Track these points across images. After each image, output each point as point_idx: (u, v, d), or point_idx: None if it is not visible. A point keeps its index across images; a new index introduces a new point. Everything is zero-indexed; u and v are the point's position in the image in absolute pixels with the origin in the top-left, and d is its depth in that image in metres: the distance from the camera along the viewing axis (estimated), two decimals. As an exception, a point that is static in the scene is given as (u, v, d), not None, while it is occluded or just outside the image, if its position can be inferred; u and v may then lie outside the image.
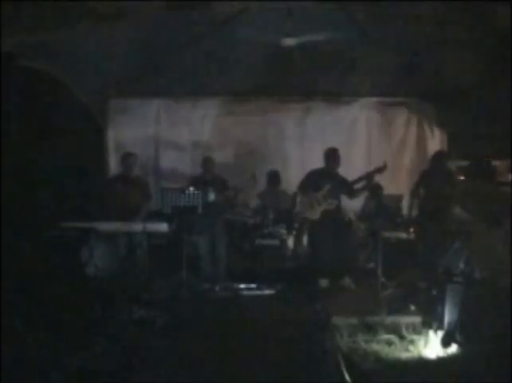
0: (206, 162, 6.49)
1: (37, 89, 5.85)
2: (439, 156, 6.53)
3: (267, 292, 6.01)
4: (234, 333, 4.49)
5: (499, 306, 4.10)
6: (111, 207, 6.14)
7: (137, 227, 5.57)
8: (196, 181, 6.26)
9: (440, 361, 4.11)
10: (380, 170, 6.04)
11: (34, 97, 5.82)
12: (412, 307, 5.20)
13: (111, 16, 4.72)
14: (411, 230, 6.50)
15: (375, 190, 6.57)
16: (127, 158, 6.31)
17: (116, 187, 6.21)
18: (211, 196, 6.13)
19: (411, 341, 4.46)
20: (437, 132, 7.97)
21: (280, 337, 4.35)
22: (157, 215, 6.03)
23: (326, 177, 6.19)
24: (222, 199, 6.27)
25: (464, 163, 9.47)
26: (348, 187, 6.20)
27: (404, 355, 4.24)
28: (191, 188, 5.71)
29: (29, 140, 5.85)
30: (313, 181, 6.19)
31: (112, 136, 7.71)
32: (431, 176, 6.42)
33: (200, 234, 6.32)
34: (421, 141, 7.94)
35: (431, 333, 4.49)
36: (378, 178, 6.48)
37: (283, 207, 6.86)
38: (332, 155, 6.24)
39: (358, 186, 6.19)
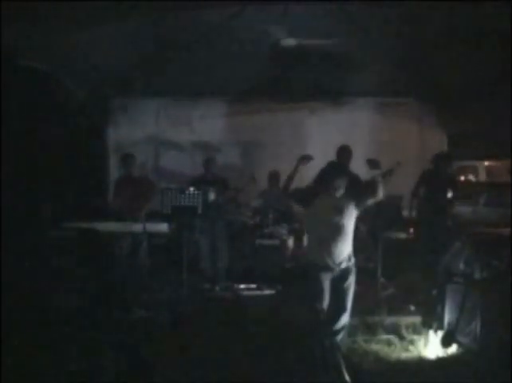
0: (208, 162, 6.48)
1: (37, 89, 5.85)
2: (441, 159, 6.48)
3: (267, 292, 6.01)
4: (234, 333, 4.49)
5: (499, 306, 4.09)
6: (113, 208, 6.15)
7: (137, 227, 5.57)
8: (197, 181, 6.25)
9: (440, 361, 4.12)
10: (391, 172, 5.91)
11: (34, 97, 5.82)
12: (412, 307, 5.20)
13: (111, 16, 4.73)
14: (411, 230, 6.50)
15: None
16: (125, 159, 6.32)
17: (120, 188, 6.23)
18: (212, 196, 6.12)
19: (411, 341, 4.48)
20: (437, 132, 7.97)
21: (280, 337, 4.35)
22: (157, 215, 6.02)
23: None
24: (222, 199, 6.26)
25: (464, 163, 9.49)
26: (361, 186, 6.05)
27: (404, 355, 4.25)
28: (191, 188, 5.70)
29: (30, 140, 5.85)
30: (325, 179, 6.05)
31: (112, 136, 7.71)
32: (432, 176, 6.41)
33: (201, 234, 6.32)
34: (421, 141, 7.94)
35: (431, 333, 4.49)
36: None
37: (283, 207, 6.85)
38: (344, 153, 6.14)
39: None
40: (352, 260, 4.32)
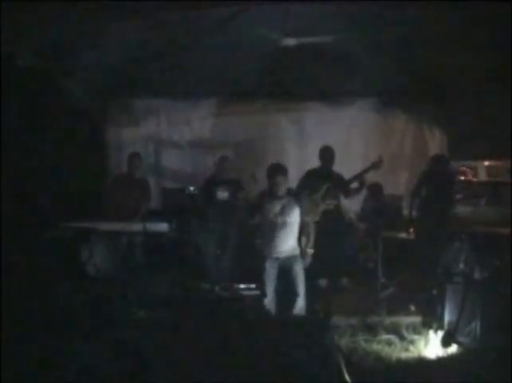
0: (222, 161, 6.44)
1: (37, 89, 5.85)
2: (437, 160, 6.51)
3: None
4: (234, 334, 4.48)
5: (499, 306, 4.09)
6: (111, 207, 6.14)
7: (137, 227, 5.56)
8: (210, 181, 6.20)
9: (440, 361, 4.12)
10: (376, 166, 6.00)
11: (34, 97, 5.82)
12: (412, 307, 5.20)
13: (111, 16, 4.73)
14: (411, 230, 6.50)
15: (375, 190, 6.57)
16: (129, 158, 6.30)
17: (118, 187, 6.21)
18: (221, 196, 6.07)
19: (411, 341, 4.47)
20: (437, 133, 7.97)
21: (280, 337, 4.34)
22: (157, 215, 6.01)
23: (323, 177, 6.16)
24: (236, 199, 6.20)
25: (464, 163, 9.49)
26: (345, 186, 6.18)
27: (404, 355, 4.25)
28: (192, 188, 5.69)
29: (29, 139, 5.85)
30: (310, 182, 6.16)
31: (112, 135, 7.71)
32: (432, 177, 6.42)
33: (208, 234, 6.27)
34: (421, 141, 7.94)
35: (431, 333, 4.50)
36: (378, 178, 6.49)
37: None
38: (327, 154, 6.22)
39: (355, 185, 6.17)
40: (298, 250, 4.89)
